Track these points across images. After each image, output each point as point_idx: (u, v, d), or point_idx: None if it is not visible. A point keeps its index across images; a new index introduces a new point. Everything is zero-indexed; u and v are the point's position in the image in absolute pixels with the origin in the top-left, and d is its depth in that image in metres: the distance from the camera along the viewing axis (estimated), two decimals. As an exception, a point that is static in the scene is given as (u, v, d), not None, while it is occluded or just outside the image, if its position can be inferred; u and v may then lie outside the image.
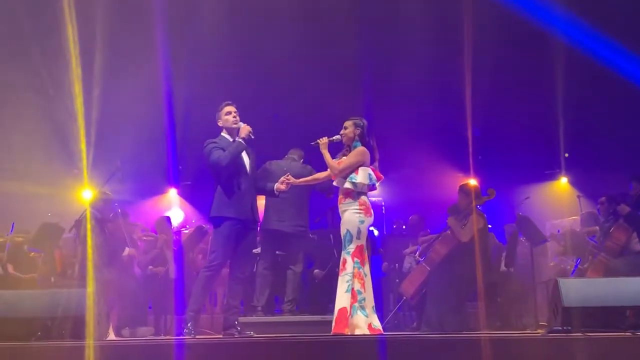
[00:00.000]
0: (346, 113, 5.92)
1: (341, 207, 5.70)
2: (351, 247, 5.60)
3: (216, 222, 5.68)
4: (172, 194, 10.93)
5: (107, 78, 8.61)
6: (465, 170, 9.55)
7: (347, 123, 5.80)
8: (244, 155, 5.74)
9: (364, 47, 9.10)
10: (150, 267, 7.77)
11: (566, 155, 9.89)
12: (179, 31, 8.88)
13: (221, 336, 5.63)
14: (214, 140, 5.76)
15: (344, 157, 5.77)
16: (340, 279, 5.59)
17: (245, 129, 5.69)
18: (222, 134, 5.82)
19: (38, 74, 8.88)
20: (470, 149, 8.77)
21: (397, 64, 9.18)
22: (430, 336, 5.55)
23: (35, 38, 8.75)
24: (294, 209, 7.07)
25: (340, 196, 5.72)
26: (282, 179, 5.93)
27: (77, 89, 7.98)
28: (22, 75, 8.87)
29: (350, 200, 5.66)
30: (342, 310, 5.47)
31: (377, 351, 4.43)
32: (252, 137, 5.71)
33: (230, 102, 5.87)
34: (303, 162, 7.30)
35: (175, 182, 10.55)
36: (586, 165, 10.14)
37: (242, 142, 5.66)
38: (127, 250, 7.43)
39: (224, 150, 5.63)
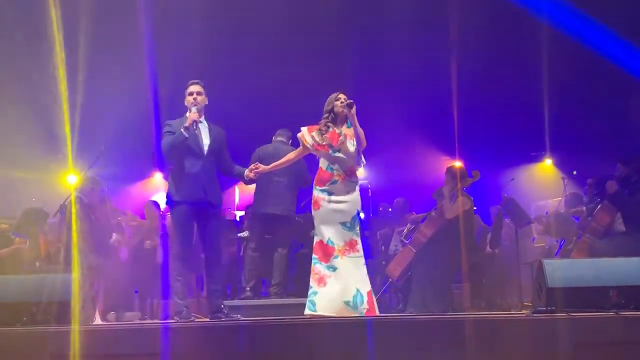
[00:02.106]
0: (331, 93, 5.84)
1: (347, 185, 5.54)
2: (358, 229, 5.57)
3: (169, 206, 5.65)
4: (158, 177, 10.89)
5: (92, 62, 8.54)
6: (451, 153, 9.58)
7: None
8: (203, 136, 5.61)
9: (350, 27, 9.06)
10: (148, 241, 7.72)
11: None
12: (163, 14, 8.80)
13: (207, 319, 5.63)
14: (169, 122, 5.64)
15: (349, 133, 5.62)
16: (356, 260, 5.50)
17: (190, 117, 5.53)
18: (186, 113, 5.66)
19: (22, 59, 8.79)
20: (456, 131, 8.79)
21: (382, 46, 9.16)
22: (416, 317, 5.58)
23: (18, 21, 8.64)
24: (289, 193, 7.05)
25: (342, 173, 5.55)
26: (251, 166, 5.80)
27: (61, 73, 7.91)
28: (5, 60, 8.78)
29: (356, 178, 5.62)
30: (371, 293, 5.48)
31: (363, 332, 4.45)
32: (195, 128, 5.53)
33: (195, 81, 5.70)
34: (291, 144, 7.28)
35: (160, 165, 10.50)
36: (571, 147, 10.20)
37: (183, 132, 5.47)
38: (114, 236, 7.39)
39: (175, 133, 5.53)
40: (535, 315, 4.84)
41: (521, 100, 9.68)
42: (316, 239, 5.61)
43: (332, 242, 5.52)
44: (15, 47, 8.75)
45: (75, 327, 4.59)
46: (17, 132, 9.06)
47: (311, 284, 5.56)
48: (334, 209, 5.54)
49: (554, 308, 4.80)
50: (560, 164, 10.66)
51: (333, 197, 5.54)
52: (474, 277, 6.89)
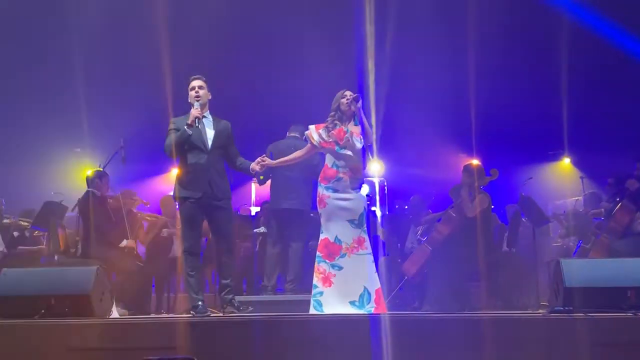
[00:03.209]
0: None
1: (352, 182, 5.55)
2: (365, 227, 5.55)
3: (178, 203, 5.64)
4: (175, 173, 10.92)
5: (111, 57, 8.60)
6: (469, 151, 9.53)
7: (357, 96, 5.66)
8: (207, 130, 5.60)
9: (364, 19, 9.00)
10: (165, 229, 7.73)
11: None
12: (182, 6, 8.83)
13: (221, 314, 5.65)
14: (174, 119, 5.63)
15: (356, 131, 5.63)
16: (364, 257, 5.49)
17: (192, 114, 5.52)
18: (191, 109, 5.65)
19: (42, 54, 8.87)
20: (474, 129, 8.74)
21: (400, 44, 9.11)
22: (432, 315, 5.57)
23: (37, 20, 8.73)
24: (304, 187, 7.05)
25: (347, 171, 5.55)
26: (258, 159, 5.75)
27: (82, 69, 7.99)
28: (26, 56, 8.86)
29: (362, 175, 5.63)
30: (379, 290, 5.47)
31: (378, 330, 4.44)
32: (197, 125, 5.51)
33: (197, 76, 5.68)
34: (305, 139, 7.25)
35: (178, 161, 10.52)
36: (589, 146, 10.11)
37: (187, 129, 5.47)
38: (124, 242, 7.38)
39: (178, 130, 5.52)
40: (552, 315, 4.81)
41: (540, 99, 9.62)
42: (322, 237, 5.60)
43: (339, 240, 5.52)
44: (36, 44, 8.84)
45: (93, 320, 4.63)
46: (37, 128, 9.16)
47: (315, 282, 5.54)
48: (340, 207, 5.54)
49: (571, 308, 4.76)
50: (579, 163, 10.58)
51: (338, 195, 5.55)
52: (490, 275, 6.85)
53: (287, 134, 7.34)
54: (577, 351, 4.26)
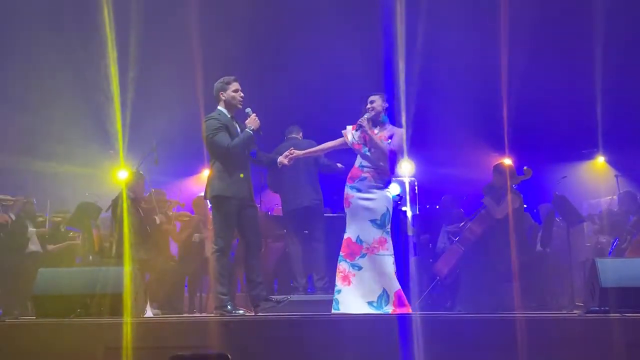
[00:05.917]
0: (379, 90, 5.88)
1: (376, 183, 5.58)
2: (389, 227, 5.56)
3: (215, 202, 5.59)
4: (207, 174, 10.99)
5: (143, 59, 8.67)
6: (500, 149, 9.43)
7: (374, 97, 5.73)
8: (239, 131, 5.65)
9: (394, 20, 8.97)
10: (197, 234, 7.80)
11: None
12: (214, 12, 8.88)
13: (253, 313, 5.67)
14: (214, 116, 5.62)
15: (380, 137, 5.65)
16: (385, 258, 5.50)
17: (257, 122, 5.60)
18: (220, 108, 5.67)
19: (75, 58, 8.99)
20: (505, 128, 8.65)
21: (431, 42, 9.04)
22: (465, 316, 5.53)
23: (71, 22, 8.84)
24: (310, 183, 7.07)
25: (372, 171, 5.61)
26: (286, 152, 5.85)
27: (113, 71, 8.07)
28: (59, 59, 8.98)
29: (387, 177, 5.64)
30: (398, 292, 5.47)
31: (411, 330, 4.43)
32: (261, 133, 5.62)
33: (237, 78, 5.73)
34: (303, 138, 7.33)
35: (209, 162, 10.58)
36: (624, 144, 9.95)
37: (252, 133, 5.56)
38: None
39: (227, 129, 5.56)
40: (588, 315, 4.75)
41: (573, 96, 9.48)
42: (345, 236, 5.66)
43: (360, 240, 5.56)
44: (68, 47, 8.95)
45: (128, 319, 4.69)
46: (71, 129, 9.28)
47: (336, 282, 5.60)
48: (363, 206, 5.59)
49: (607, 308, 4.70)
50: (613, 162, 10.41)
51: (361, 194, 5.60)
52: (524, 275, 6.78)
53: (287, 136, 7.35)
54: (613, 352, 4.19)
